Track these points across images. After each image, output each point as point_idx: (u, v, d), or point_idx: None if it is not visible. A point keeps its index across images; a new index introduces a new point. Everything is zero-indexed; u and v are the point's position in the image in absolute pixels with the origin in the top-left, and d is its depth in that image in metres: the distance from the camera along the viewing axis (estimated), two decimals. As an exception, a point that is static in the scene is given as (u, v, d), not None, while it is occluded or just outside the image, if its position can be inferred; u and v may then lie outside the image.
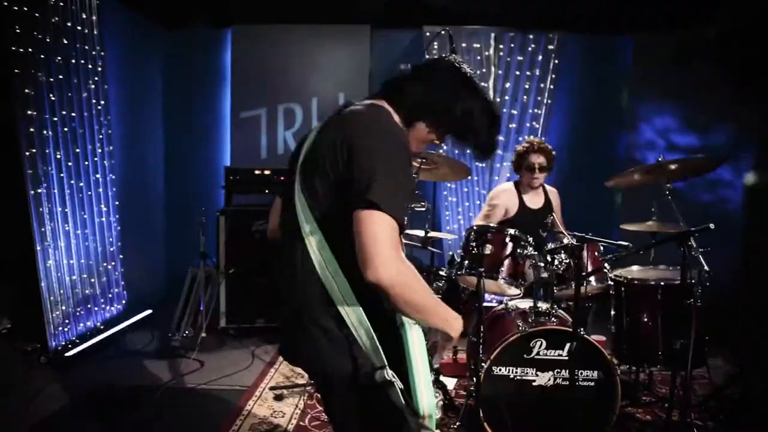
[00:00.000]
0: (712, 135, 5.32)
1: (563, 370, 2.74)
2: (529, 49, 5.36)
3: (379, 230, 1.27)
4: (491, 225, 3.14)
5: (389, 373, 1.32)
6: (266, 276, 4.45)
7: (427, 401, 1.31)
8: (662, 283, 2.98)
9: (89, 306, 4.15)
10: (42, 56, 3.56)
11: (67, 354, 3.77)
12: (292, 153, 1.60)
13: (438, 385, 3.23)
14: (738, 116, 5.16)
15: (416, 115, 1.55)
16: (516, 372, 2.75)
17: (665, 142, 5.42)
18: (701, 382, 3.56)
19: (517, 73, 5.38)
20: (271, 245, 1.72)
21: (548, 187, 3.82)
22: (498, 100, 5.41)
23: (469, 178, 5.20)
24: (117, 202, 4.47)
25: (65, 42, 3.77)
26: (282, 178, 4.71)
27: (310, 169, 1.45)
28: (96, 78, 4.13)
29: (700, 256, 2.74)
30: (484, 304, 2.88)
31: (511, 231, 2.92)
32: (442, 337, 1.51)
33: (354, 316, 1.36)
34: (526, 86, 5.38)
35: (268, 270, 4.47)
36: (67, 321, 3.89)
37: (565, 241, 2.86)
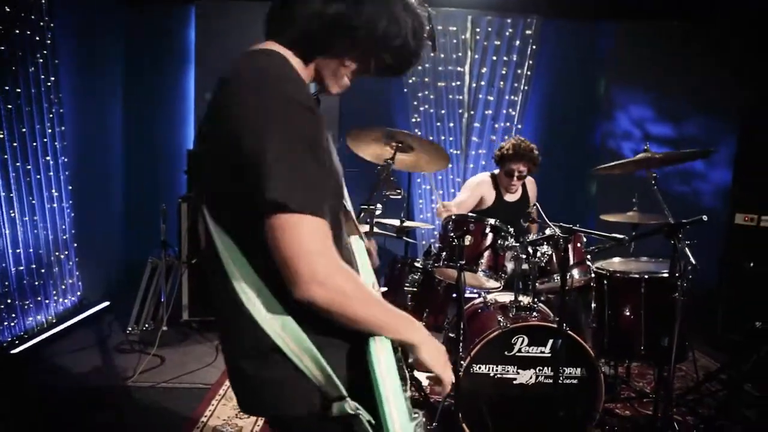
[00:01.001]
0: (688, 125, 5.29)
1: (545, 368, 2.62)
2: (507, 33, 5.21)
3: (298, 238, 0.98)
4: (470, 214, 2.99)
5: (351, 405, 1.07)
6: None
7: (401, 429, 1.05)
8: (646, 277, 2.89)
9: (39, 299, 3.85)
10: (-20, 25, 3.24)
11: (12, 351, 3.49)
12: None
13: (412, 381, 3.08)
14: (715, 106, 5.14)
15: (316, 47, 1.16)
16: (496, 370, 2.62)
17: (641, 131, 5.36)
18: (678, 376, 3.51)
19: (494, 58, 5.22)
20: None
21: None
22: (474, 85, 5.26)
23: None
24: (70, 187, 4.17)
25: (8, 10, 3.44)
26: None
27: (203, 165, 1.14)
28: (44, 51, 3.80)
29: (686, 249, 2.65)
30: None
31: (491, 221, 2.77)
32: (414, 357, 1.17)
33: (294, 343, 1.07)
34: (503, 72, 5.24)
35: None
36: (13, 315, 3.60)
37: (548, 232, 2.73)
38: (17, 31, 3.51)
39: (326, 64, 1.19)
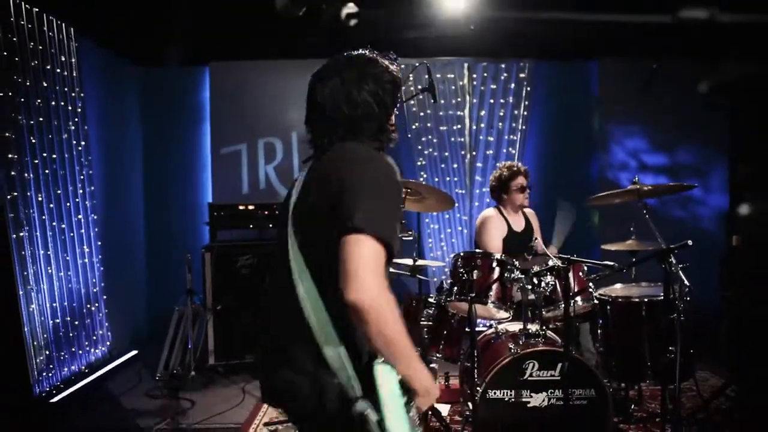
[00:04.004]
0: (681, 154, 5.54)
1: (557, 390, 2.78)
2: (502, 77, 5.53)
3: (363, 252, 1.24)
4: (477, 251, 3.21)
5: (365, 404, 1.28)
6: (254, 311, 4.45)
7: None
8: (646, 300, 3.07)
9: (73, 349, 4.06)
10: (22, 99, 3.56)
11: (51, 400, 3.68)
12: (282, 204, 1.57)
13: (433, 412, 3.23)
14: (705, 135, 5.39)
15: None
16: (510, 394, 2.78)
17: (636, 162, 5.61)
18: (689, 395, 3.64)
19: (491, 101, 5.53)
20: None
21: (527, 210, 3.92)
22: (474, 127, 5.56)
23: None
24: (99, 243, 4.43)
25: (45, 85, 3.78)
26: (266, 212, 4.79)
27: (300, 208, 1.45)
28: (76, 119, 4.13)
29: (680, 272, 2.84)
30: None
31: (497, 255, 2.99)
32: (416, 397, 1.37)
33: (336, 356, 1.32)
34: (501, 113, 5.54)
35: (255, 305, 4.47)
36: (51, 366, 3.80)
37: (551, 263, 2.94)
38: (53, 103, 3.85)
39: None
